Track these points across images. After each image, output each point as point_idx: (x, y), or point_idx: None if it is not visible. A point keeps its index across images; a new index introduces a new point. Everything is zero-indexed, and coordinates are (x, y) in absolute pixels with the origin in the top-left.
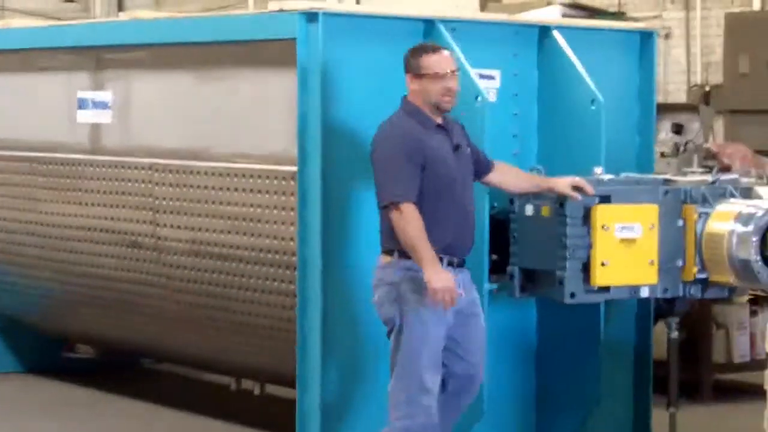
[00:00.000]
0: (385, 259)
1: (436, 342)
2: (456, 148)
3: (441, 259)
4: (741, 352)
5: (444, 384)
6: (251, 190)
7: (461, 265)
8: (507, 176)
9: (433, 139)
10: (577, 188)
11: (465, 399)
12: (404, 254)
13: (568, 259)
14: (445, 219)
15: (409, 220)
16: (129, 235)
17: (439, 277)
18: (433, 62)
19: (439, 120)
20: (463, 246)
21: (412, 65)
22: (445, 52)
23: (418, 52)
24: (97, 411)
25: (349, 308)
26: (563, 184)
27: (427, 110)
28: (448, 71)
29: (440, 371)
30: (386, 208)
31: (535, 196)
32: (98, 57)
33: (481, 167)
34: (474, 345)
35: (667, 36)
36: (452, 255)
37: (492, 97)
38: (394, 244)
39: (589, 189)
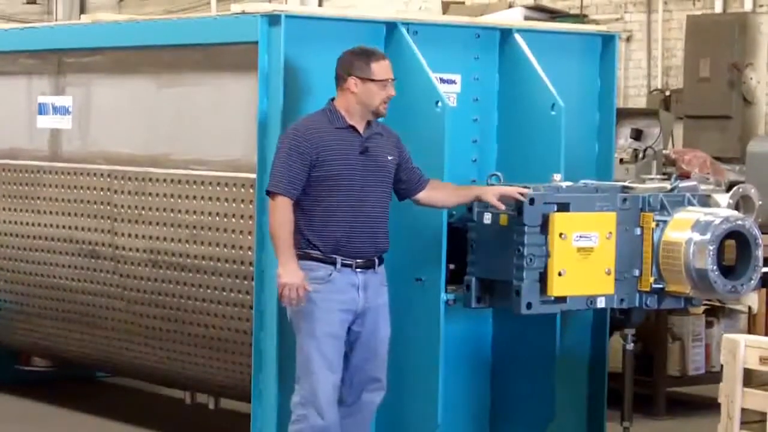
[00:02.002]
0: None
1: (329, 343)
2: (364, 150)
3: (334, 260)
4: (696, 364)
5: (345, 385)
6: (210, 198)
7: (365, 267)
8: (435, 192)
9: (335, 137)
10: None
11: (366, 404)
12: (302, 255)
13: (525, 268)
14: (335, 218)
15: (278, 213)
16: (87, 245)
17: (286, 271)
18: (383, 69)
19: (353, 121)
20: (359, 248)
21: (358, 68)
22: (388, 60)
23: (367, 56)
24: (51, 425)
25: None
26: (491, 193)
27: (352, 112)
28: (391, 79)
29: (336, 372)
30: (271, 198)
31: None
32: (59, 61)
33: (411, 186)
34: (369, 352)
35: (628, 39)
36: (346, 256)
37: (452, 102)
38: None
39: (518, 196)
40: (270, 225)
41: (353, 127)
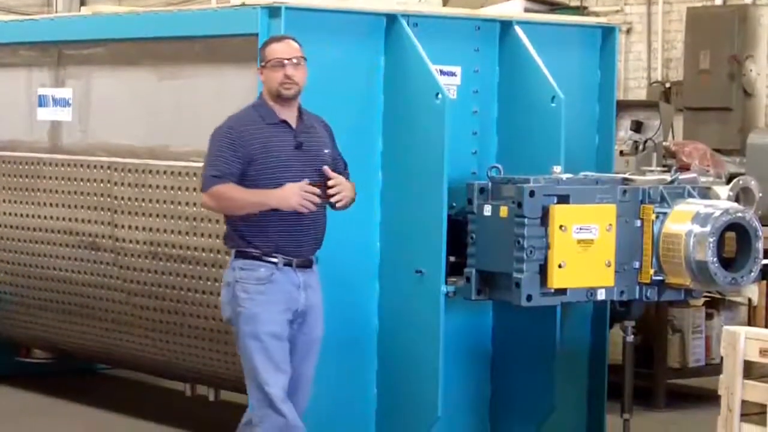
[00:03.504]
0: (230, 258)
1: (274, 344)
2: (298, 145)
3: (275, 259)
4: (696, 356)
5: None
6: None
7: (305, 266)
8: None
9: (266, 133)
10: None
11: (297, 402)
12: (238, 253)
13: (525, 260)
14: (274, 216)
15: (229, 193)
16: (87, 237)
17: (276, 196)
18: (275, 50)
19: (284, 115)
20: (300, 246)
21: (261, 58)
22: (291, 41)
23: (265, 43)
24: (51, 417)
25: None
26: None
27: (272, 102)
28: (290, 58)
29: (284, 372)
30: (204, 193)
31: (494, 196)
32: (59, 53)
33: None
34: (304, 351)
35: (628, 31)
36: (286, 255)
37: (452, 94)
38: (230, 243)
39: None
40: (235, 204)
41: (285, 122)
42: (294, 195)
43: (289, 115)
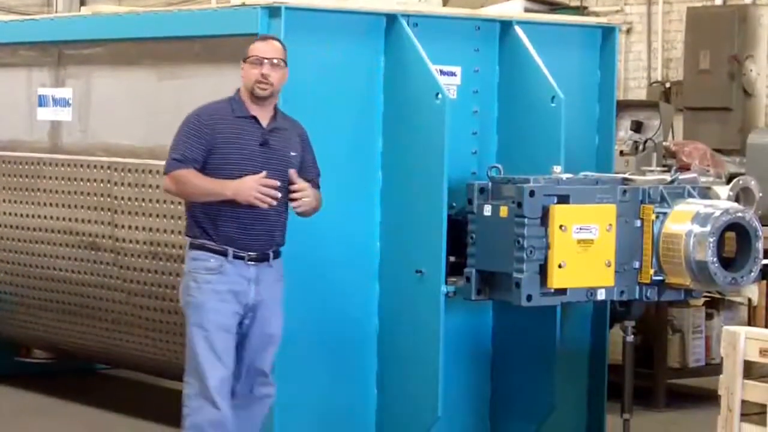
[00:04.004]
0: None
1: (218, 335)
2: (264, 142)
3: (226, 251)
4: (696, 356)
5: (238, 379)
6: None
7: (258, 260)
8: None
9: (232, 125)
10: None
11: (258, 398)
12: (193, 245)
13: (525, 260)
14: (230, 209)
15: (188, 178)
16: (87, 237)
17: (235, 187)
18: (257, 47)
19: (256, 112)
20: (253, 241)
21: (243, 53)
22: (275, 42)
23: (252, 40)
24: (51, 417)
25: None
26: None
27: (247, 98)
28: (270, 58)
29: (226, 365)
30: (166, 175)
31: (494, 196)
32: (60, 53)
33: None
34: (258, 346)
35: (628, 31)
36: (240, 249)
37: (452, 94)
38: (188, 232)
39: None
40: (195, 189)
41: (255, 118)
42: (250, 189)
43: (261, 113)
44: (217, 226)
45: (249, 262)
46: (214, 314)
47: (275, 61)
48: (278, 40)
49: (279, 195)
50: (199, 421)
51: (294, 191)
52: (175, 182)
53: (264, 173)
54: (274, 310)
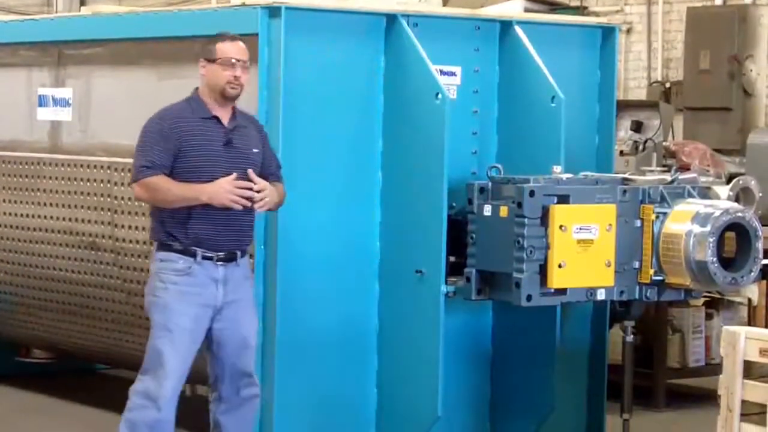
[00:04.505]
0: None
1: (183, 337)
2: (228, 142)
3: (194, 252)
4: (696, 356)
5: (222, 382)
6: None
7: (227, 260)
8: None
9: (196, 127)
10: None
11: (246, 400)
12: (159, 245)
13: (525, 260)
14: (197, 210)
15: (161, 184)
16: (87, 237)
17: (211, 191)
18: (226, 49)
19: (217, 112)
20: (221, 242)
21: (206, 51)
22: (240, 44)
23: (215, 38)
24: (51, 417)
25: (292, 308)
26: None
27: (210, 98)
28: (240, 60)
29: (185, 367)
30: (136, 183)
31: (494, 196)
32: (60, 53)
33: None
34: (235, 347)
35: (628, 31)
36: (209, 249)
37: (452, 94)
38: (154, 235)
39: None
40: (166, 197)
41: (217, 118)
42: (225, 191)
43: (222, 112)
44: (184, 227)
45: (218, 263)
46: (179, 316)
47: (245, 62)
48: (240, 40)
49: (254, 195)
50: (138, 419)
51: (256, 191)
52: (146, 189)
53: (234, 175)
54: (246, 311)
